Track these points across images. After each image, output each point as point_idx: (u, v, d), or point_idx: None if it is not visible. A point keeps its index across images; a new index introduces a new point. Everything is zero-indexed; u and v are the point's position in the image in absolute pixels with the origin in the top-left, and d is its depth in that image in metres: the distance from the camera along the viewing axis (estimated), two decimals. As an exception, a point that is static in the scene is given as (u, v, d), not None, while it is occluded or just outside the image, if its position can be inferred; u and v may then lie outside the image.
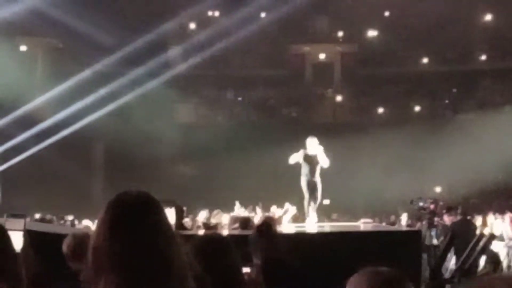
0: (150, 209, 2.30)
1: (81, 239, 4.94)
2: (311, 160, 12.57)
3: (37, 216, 16.37)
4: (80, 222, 18.39)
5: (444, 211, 14.05)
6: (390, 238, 9.74)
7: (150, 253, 2.20)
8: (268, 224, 7.94)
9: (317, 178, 12.68)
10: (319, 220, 13.61)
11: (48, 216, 18.14)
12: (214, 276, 3.15)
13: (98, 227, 2.26)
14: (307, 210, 12.80)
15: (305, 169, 12.68)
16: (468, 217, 14.66)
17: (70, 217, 19.07)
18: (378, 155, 27.67)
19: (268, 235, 7.64)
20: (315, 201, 12.74)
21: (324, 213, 16.27)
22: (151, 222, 2.27)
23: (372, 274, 2.31)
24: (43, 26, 29.36)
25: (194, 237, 3.54)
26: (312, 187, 12.68)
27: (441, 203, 13.93)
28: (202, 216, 16.18)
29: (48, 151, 27.86)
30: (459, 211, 14.11)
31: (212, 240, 3.52)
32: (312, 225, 12.60)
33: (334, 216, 23.45)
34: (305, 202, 12.85)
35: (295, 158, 12.64)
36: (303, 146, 12.50)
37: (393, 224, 20.24)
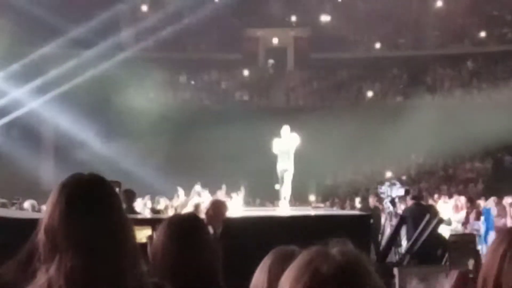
0: (105, 190, 2.33)
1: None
2: (285, 149, 13.06)
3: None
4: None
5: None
6: (339, 222, 9.82)
7: (105, 233, 2.22)
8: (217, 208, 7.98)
9: (290, 166, 13.16)
10: (267, 205, 13.85)
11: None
12: (191, 255, 3.08)
13: (53, 207, 2.24)
14: (282, 196, 13.31)
15: (280, 157, 13.17)
16: (421, 202, 14.84)
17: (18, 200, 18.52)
18: (330, 139, 27.79)
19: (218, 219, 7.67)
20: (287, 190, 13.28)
21: (276, 198, 16.35)
22: (106, 202, 2.30)
23: (320, 258, 1.58)
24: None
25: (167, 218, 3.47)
26: (285, 175, 13.18)
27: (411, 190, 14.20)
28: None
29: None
30: (411, 196, 14.27)
31: (189, 219, 3.42)
32: (264, 210, 12.78)
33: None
34: (280, 189, 13.40)
35: (275, 146, 13.25)
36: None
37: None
